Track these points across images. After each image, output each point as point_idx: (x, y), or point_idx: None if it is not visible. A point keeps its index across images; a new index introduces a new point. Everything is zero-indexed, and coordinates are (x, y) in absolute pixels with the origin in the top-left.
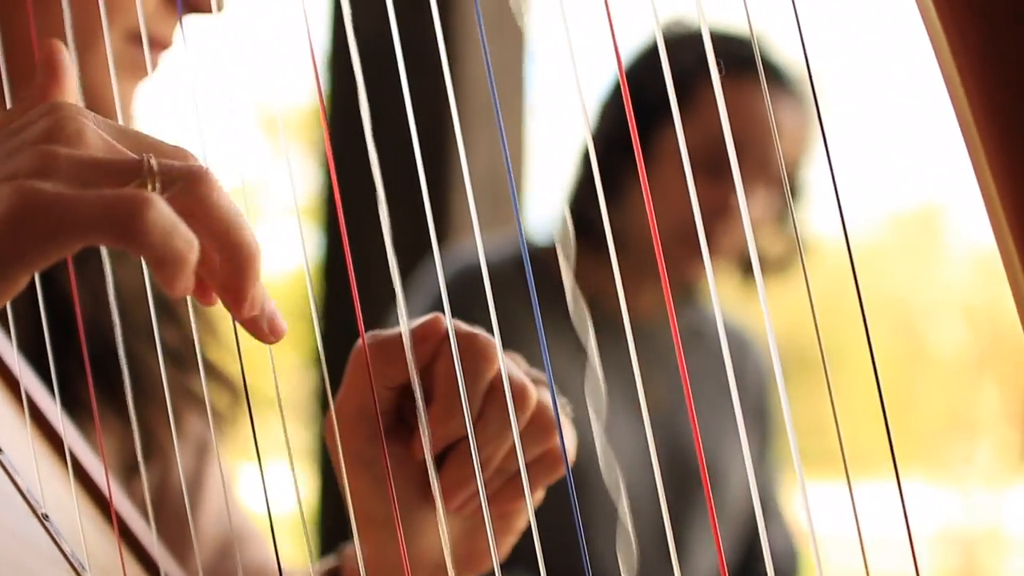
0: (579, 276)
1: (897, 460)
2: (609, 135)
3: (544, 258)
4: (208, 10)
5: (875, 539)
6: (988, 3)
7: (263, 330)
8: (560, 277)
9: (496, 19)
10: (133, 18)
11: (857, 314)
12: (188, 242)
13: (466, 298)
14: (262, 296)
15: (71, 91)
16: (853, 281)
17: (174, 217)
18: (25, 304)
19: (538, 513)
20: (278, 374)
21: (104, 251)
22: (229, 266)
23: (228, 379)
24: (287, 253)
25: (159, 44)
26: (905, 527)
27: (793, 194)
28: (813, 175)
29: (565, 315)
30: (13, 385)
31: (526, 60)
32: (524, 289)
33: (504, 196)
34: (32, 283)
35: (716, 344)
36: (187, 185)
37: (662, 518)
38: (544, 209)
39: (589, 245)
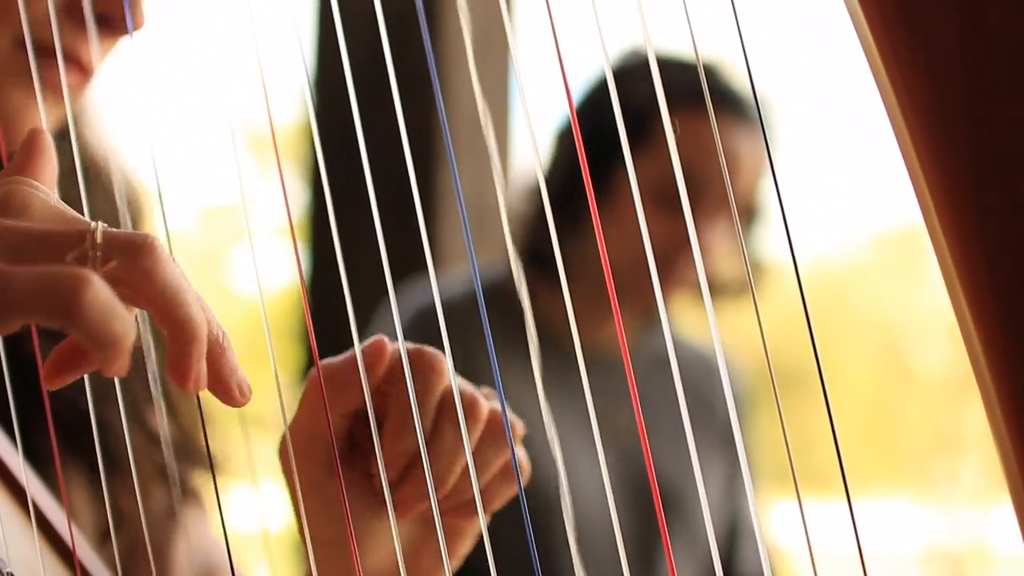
0: (544, 307)
1: (883, 478)
2: (570, 165)
3: (511, 288)
4: (123, 30)
5: (856, 556)
6: (924, 23)
7: (232, 397)
8: (518, 313)
9: (481, 41)
10: (21, 24)
11: (840, 333)
12: (125, 325)
13: (425, 337)
14: (205, 371)
15: (50, 178)
16: (831, 301)
17: (112, 298)
18: None
19: (494, 538)
20: (264, 393)
21: None
22: (171, 342)
23: (202, 454)
24: (274, 271)
25: (72, 61)
26: (856, 544)
27: (755, 219)
28: (773, 196)
29: (521, 352)
30: None
31: (511, 82)
32: (480, 328)
33: (489, 221)
34: None
35: (684, 370)
36: (130, 257)
37: (628, 543)
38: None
39: (551, 276)
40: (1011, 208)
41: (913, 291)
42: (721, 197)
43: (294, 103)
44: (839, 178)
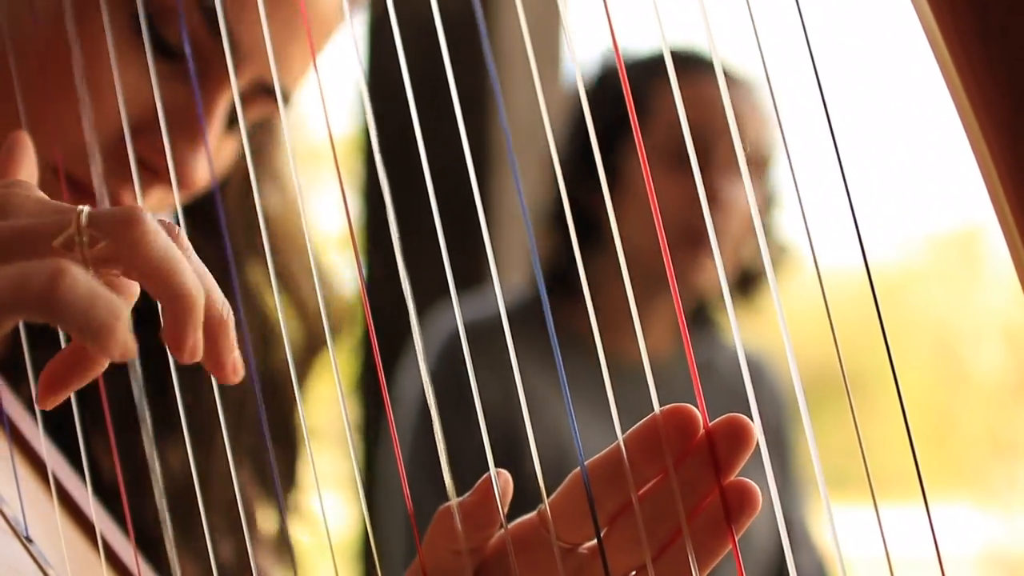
0: (576, 324)
1: (941, 483)
2: (573, 177)
3: (538, 309)
4: (181, 184)
5: (915, 561)
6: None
7: (226, 373)
8: (555, 327)
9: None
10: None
11: (895, 336)
12: (110, 309)
13: (462, 359)
14: (201, 342)
15: (28, 175)
16: (886, 304)
17: (91, 282)
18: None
19: None
20: (317, 405)
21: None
22: (167, 314)
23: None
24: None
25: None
26: (935, 548)
27: (768, 169)
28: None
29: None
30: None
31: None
32: (519, 343)
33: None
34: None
35: (730, 375)
36: (117, 232)
37: None
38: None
39: (579, 290)
40: None
41: (968, 294)
42: (732, 149)
43: (343, 115)
44: (893, 181)
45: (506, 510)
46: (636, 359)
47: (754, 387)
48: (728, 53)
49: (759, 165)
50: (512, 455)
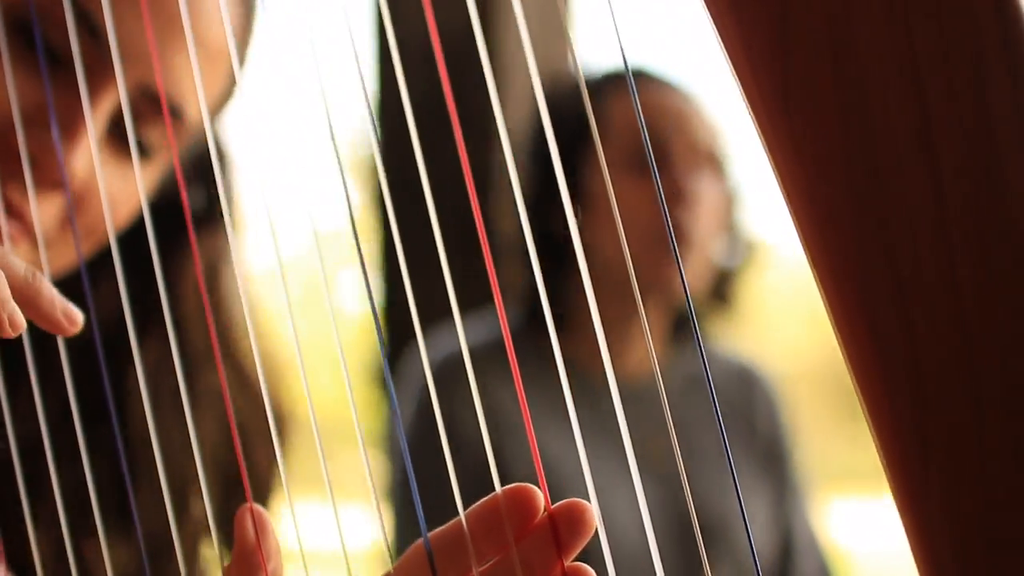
0: (561, 343)
1: None
2: (538, 201)
3: (523, 338)
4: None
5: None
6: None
7: (60, 326)
8: (539, 355)
9: (540, 64)
10: None
11: None
12: None
13: (449, 387)
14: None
15: None
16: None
17: None
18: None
19: None
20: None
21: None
22: None
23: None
24: (353, 296)
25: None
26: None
27: (725, 166)
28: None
29: (546, 392)
30: None
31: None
32: (505, 372)
33: None
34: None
35: (722, 384)
36: None
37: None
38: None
39: (562, 311)
40: (897, 287)
41: None
42: (691, 147)
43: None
44: None
45: (271, 545)
46: (624, 378)
47: (747, 395)
48: (669, 68)
49: (716, 162)
50: (492, 483)
